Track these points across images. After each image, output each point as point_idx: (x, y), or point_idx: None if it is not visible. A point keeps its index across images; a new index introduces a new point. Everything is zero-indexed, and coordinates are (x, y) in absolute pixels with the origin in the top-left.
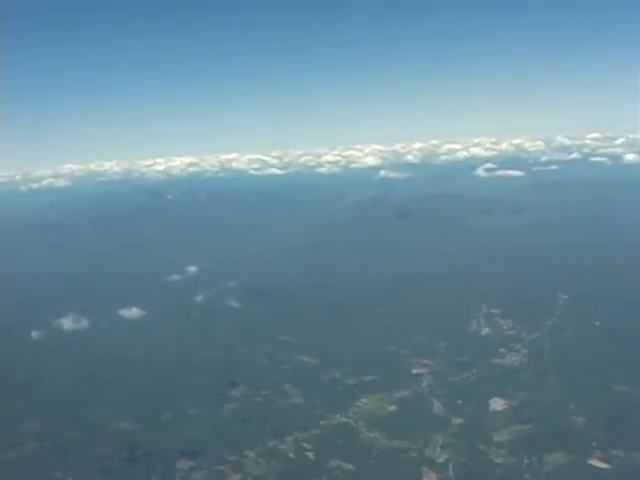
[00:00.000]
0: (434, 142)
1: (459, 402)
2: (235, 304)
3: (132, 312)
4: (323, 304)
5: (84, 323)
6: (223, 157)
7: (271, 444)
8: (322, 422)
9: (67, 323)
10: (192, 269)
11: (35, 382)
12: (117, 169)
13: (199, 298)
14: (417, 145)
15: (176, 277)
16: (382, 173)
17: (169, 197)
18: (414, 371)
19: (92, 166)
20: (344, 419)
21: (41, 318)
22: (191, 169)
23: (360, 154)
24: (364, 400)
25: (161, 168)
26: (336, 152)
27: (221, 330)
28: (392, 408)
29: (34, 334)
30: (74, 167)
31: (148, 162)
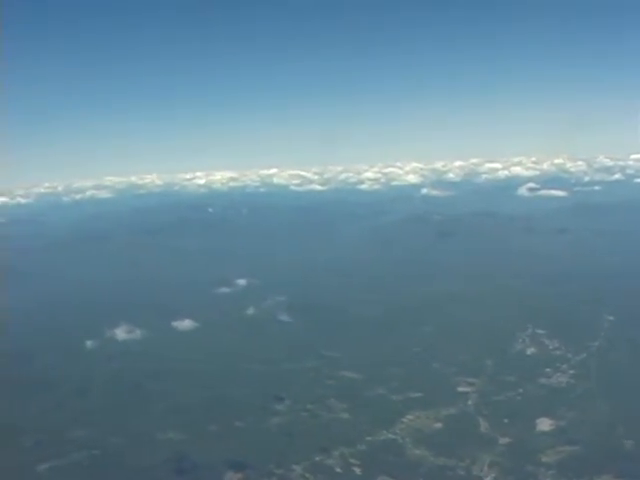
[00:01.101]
0: (474, 161)
1: (505, 421)
2: (286, 318)
3: (185, 324)
4: (367, 320)
5: (137, 334)
6: (263, 172)
7: (318, 458)
8: (368, 438)
9: (121, 333)
10: (241, 282)
11: (85, 390)
12: (158, 182)
13: (250, 311)
14: (458, 163)
15: (226, 290)
16: (424, 191)
17: (210, 211)
18: (460, 389)
19: (133, 179)
20: (390, 435)
21: (95, 328)
22: (232, 184)
23: (401, 172)
24: (410, 417)
25: (202, 182)
26: (376, 169)
27: (269, 343)
28: (438, 425)
29: (88, 343)
30: (115, 179)
31: (188, 176)
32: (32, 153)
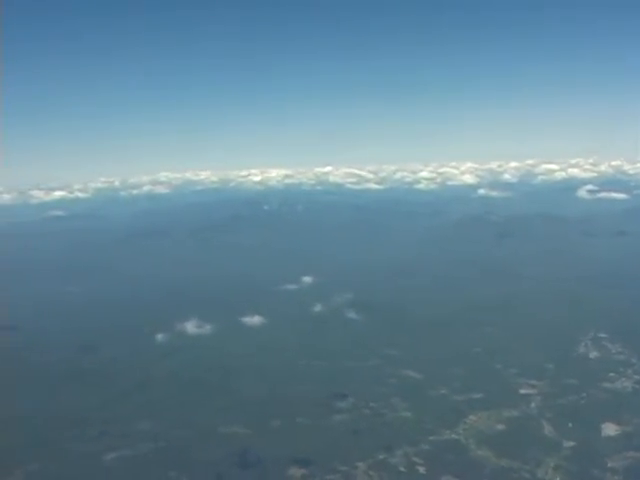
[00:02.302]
0: (530, 162)
1: (570, 425)
2: (354, 316)
3: (254, 320)
4: (427, 319)
5: (207, 328)
6: (318, 170)
7: (381, 457)
8: (431, 437)
9: (191, 328)
10: (307, 279)
11: (151, 383)
12: (213, 179)
13: (317, 308)
14: (513, 164)
15: (292, 287)
16: (481, 191)
17: (266, 208)
18: (522, 391)
19: (187, 175)
20: (453, 435)
21: (165, 322)
22: (288, 181)
23: (456, 171)
24: (473, 417)
25: (258, 179)
26: (431, 169)
27: (334, 340)
28: (501, 427)
29: (159, 337)
30: (170, 175)
31: (243, 173)
32: (88, 148)
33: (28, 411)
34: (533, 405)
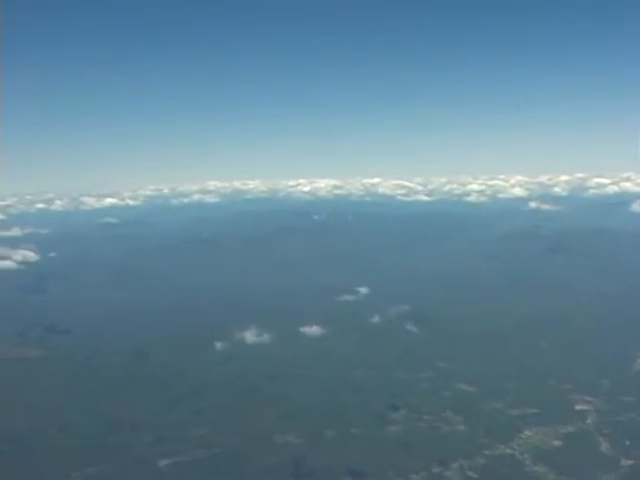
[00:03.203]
0: (580, 175)
1: (627, 443)
2: (412, 328)
3: (313, 330)
4: (480, 333)
5: (266, 337)
6: (366, 181)
7: (436, 470)
8: (486, 451)
9: (250, 336)
10: (363, 290)
11: (210, 389)
12: (262, 188)
13: (375, 319)
14: (563, 178)
15: (349, 297)
16: (532, 205)
17: (315, 218)
18: (577, 407)
19: (236, 184)
20: (508, 450)
21: (224, 330)
22: (337, 192)
23: (506, 184)
24: (528, 433)
25: (307, 189)
26: (480, 181)
27: (388, 352)
28: (557, 443)
29: (218, 345)
30: (218, 184)
31: (291, 182)
32: (137, 155)
33: (85, 414)
34: (589, 421)
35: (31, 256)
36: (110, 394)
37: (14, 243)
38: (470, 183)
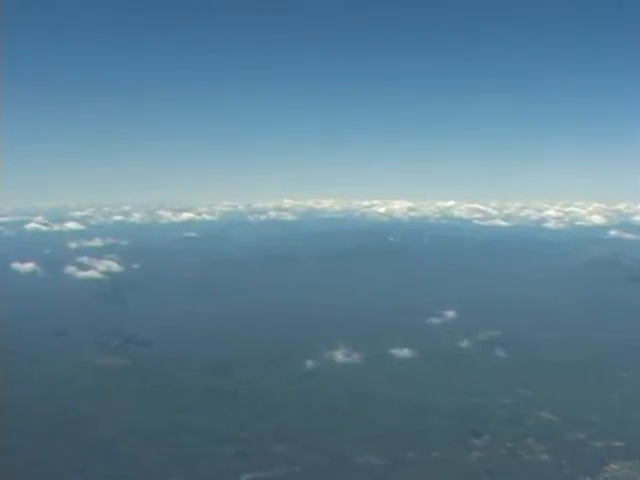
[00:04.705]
0: None
1: None
2: (502, 354)
3: (403, 352)
4: (561, 360)
5: (356, 357)
6: (440, 204)
7: None
8: None
9: (339, 356)
10: (450, 314)
11: (293, 406)
12: (337, 207)
13: (464, 344)
14: None
15: (436, 320)
16: (612, 233)
17: (391, 239)
18: None
19: (310, 202)
20: None
21: (313, 348)
22: (412, 214)
23: (583, 211)
24: (614, 466)
25: (382, 210)
26: (557, 207)
27: (474, 377)
28: None
29: (308, 363)
30: (293, 202)
31: (365, 203)
32: (211, 171)
33: (166, 424)
34: None
35: (114, 267)
36: (191, 406)
37: (97, 253)
38: (546, 209)
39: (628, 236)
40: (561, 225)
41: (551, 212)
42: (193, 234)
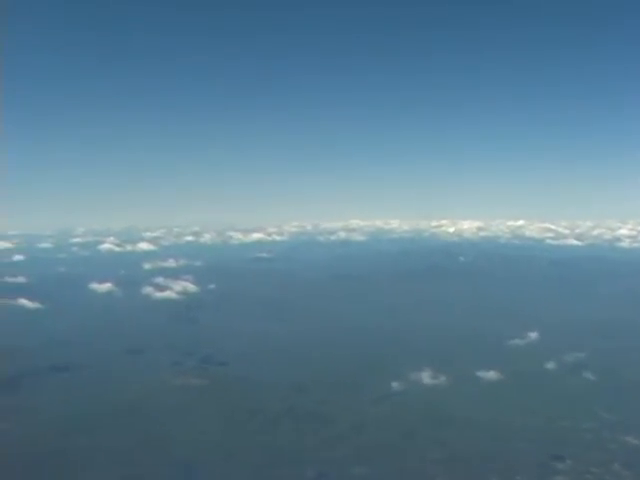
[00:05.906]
0: None
1: None
2: (590, 376)
3: (490, 375)
4: None
5: (442, 380)
6: (510, 223)
7: None
8: None
9: (425, 378)
10: (533, 335)
11: (372, 427)
12: (405, 227)
13: (550, 365)
14: None
15: (520, 342)
16: None
17: (462, 259)
18: None
19: (378, 223)
20: None
21: (398, 370)
22: (482, 233)
23: None
24: None
25: (452, 230)
26: (630, 226)
27: (560, 399)
28: None
29: (394, 384)
30: (361, 222)
31: (434, 223)
32: (278, 192)
33: (247, 444)
34: None
35: (190, 287)
36: (271, 426)
37: (172, 274)
38: (619, 228)
39: None
40: (635, 244)
41: (624, 231)
42: (264, 254)
